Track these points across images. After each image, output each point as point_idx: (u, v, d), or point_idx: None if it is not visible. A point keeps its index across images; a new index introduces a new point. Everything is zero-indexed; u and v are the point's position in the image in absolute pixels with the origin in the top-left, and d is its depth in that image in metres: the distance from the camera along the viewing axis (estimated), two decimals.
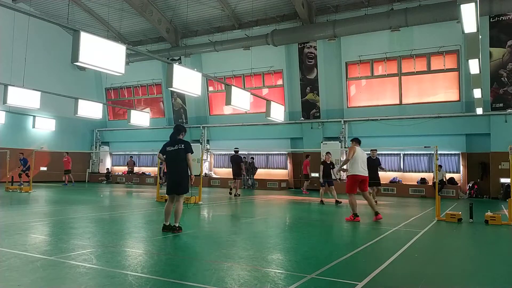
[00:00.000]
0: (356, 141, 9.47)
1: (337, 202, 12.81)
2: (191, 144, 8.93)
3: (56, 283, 3.92)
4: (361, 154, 9.20)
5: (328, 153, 13.87)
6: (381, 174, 19.06)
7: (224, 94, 13.07)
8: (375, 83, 19.80)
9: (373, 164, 12.63)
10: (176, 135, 6.98)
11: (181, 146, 6.85)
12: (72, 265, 4.49)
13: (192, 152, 6.93)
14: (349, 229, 8.43)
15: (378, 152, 19.19)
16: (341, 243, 6.62)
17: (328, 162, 13.37)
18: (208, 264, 4.73)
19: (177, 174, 6.83)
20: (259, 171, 21.99)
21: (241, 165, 15.35)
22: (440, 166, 16.65)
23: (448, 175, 17.87)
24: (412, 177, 18.91)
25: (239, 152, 15.70)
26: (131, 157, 26.37)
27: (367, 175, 9.20)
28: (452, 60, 17.97)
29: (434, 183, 15.34)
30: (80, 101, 15.30)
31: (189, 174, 6.89)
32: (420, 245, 6.35)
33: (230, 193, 15.27)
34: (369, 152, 12.82)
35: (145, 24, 23.19)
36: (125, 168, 27.01)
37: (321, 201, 13.00)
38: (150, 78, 25.38)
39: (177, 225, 6.76)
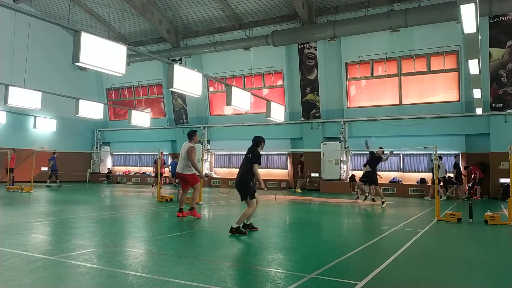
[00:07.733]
0: (187, 134, 9.22)
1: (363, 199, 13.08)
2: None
3: (57, 283, 3.94)
4: (180, 151, 9.13)
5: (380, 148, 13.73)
6: (381, 174, 19.25)
7: (224, 94, 13.09)
8: (375, 83, 19.82)
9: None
10: (253, 146, 7.27)
11: (249, 155, 7.17)
12: (73, 265, 4.51)
13: (258, 164, 7.13)
14: (349, 229, 8.45)
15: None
16: (341, 243, 6.63)
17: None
18: (208, 263, 4.75)
19: (237, 179, 7.18)
20: (259, 171, 21.96)
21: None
22: (440, 157, 16.58)
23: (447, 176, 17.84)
24: (412, 177, 18.93)
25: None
26: (161, 152, 16.58)
27: (179, 171, 9.05)
28: (451, 61, 17.98)
29: (442, 178, 15.62)
30: (81, 101, 15.30)
31: (249, 181, 7.14)
32: (420, 245, 6.37)
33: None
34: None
35: (145, 25, 23.21)
36: (126, 168, 27.05)
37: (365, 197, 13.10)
38: (150, 78, 25.41)
39: (235, 226, 6.74)
